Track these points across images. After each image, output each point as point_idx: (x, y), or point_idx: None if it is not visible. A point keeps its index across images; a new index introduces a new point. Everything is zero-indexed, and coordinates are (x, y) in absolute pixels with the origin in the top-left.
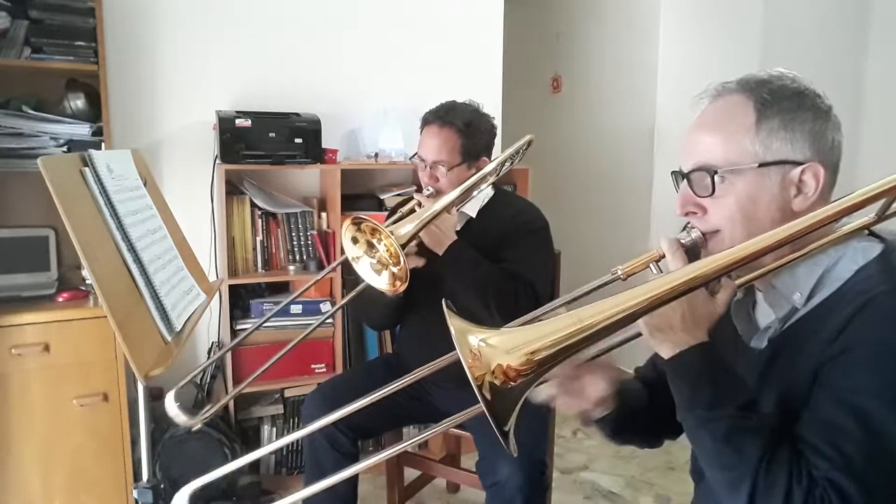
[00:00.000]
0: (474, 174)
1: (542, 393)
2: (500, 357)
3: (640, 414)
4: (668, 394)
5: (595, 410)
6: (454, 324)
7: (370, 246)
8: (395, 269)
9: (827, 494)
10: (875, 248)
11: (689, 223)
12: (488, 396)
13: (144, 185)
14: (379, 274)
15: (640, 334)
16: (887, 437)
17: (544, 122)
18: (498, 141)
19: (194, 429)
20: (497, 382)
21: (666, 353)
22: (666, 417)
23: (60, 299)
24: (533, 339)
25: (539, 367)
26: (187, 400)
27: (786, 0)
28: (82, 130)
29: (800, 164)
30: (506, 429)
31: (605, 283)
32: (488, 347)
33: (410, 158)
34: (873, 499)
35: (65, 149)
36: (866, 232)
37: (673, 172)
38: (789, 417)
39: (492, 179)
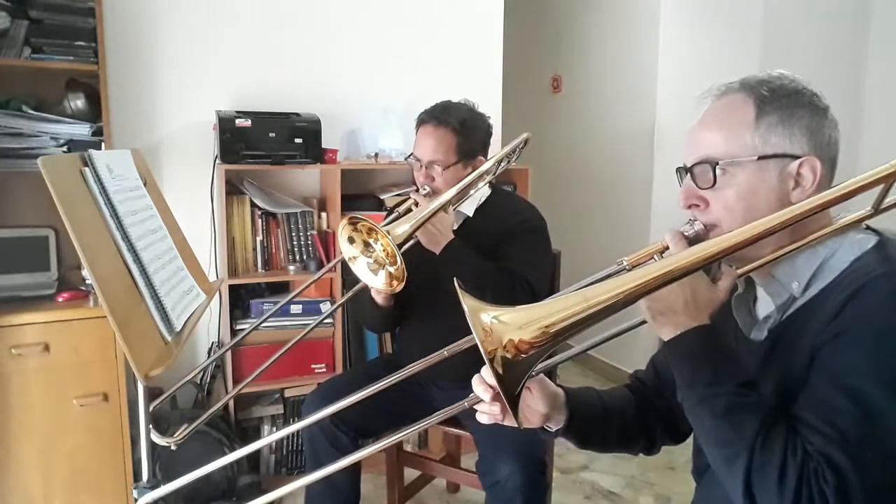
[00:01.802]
0: (470, 173)
1: (485, 415)
2: (512, 332)
3: (605, 419)
4: (667, 394)
5: (547, 425)
6: (467, 303)
7: (367, 245)
8: (391, 269)
9: (821, 468)
10: (871, 240)
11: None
12: (500, 370)
13: (144, 185)
14: (376, 274)
15: (644, 322)
16: (881, 414)
17: (544, 122)
18: (497, 141)
19: (173, 447)
20: (509, 356)
21: (667, 335)
22: (663, 419)
23: (60, 299)
24: (545, 315)
25: (552, 340)
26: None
27: (786, 0)
28: (82, 130)
29: (797, 157)
30: (515, 394)
31: (612, 274)
32: (500, 324)
33: (406, 159)
34: (866, 474)
35: (65, 149)
36: (864, 225)
37: (678, 168)
38: (788, 402)
39: (489, 178)
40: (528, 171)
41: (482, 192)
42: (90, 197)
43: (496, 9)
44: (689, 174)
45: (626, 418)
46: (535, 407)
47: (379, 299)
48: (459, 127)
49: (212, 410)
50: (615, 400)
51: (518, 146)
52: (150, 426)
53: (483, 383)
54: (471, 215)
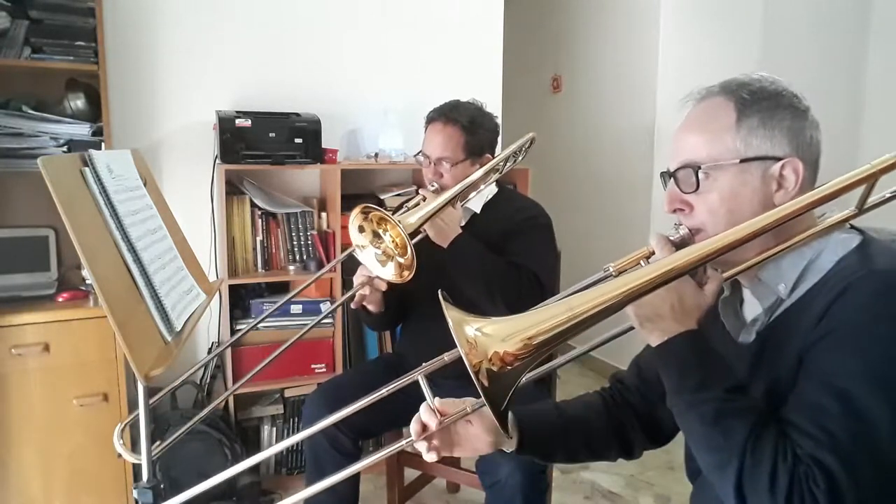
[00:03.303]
0: (478, 170)
1: (427, 454)
2: (496, 345)
3: (567, 431)
4: (652, 395)
5: (502, 448)
6: (451, 315)
7: (376, 236)
8: (401, 259)
9: (811, 472)
10: (854, 240)
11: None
12: (485, 382)
13: (144, 185)
14: (383, 265)
15: (633, 327)
16: (869, 416)
17: (544, 122)
18: (498, 141)
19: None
20: (494, 368)
21: (655, 340)
22: (646, 422)
23: (60, 299)
24: (527, 327)
25: (536, 351)
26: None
27: (786, 0)
28: (82, 130)
29: (779, 159)
30: (502, 409)
31: (598, 281)
32: (484, 336)
33: (415, 156)
34: (857, 476)
35: (65, 149)
36: (848, 225)
37: (662, 173)
38: (777, 404)
39: (496, 176)
40: (528, 171)
41: (489, 190)
42: (90, 197)
43: (496, 9)
44: (672, 179)
45: (591, 428)
46: (479, 438)
47: (371, 307)
48: (468, 125)
49: (199, 416)
50: (579, 410)
51: (524, 145)
52: (122, 443)
53: (428, 410)
54: (478, 211)
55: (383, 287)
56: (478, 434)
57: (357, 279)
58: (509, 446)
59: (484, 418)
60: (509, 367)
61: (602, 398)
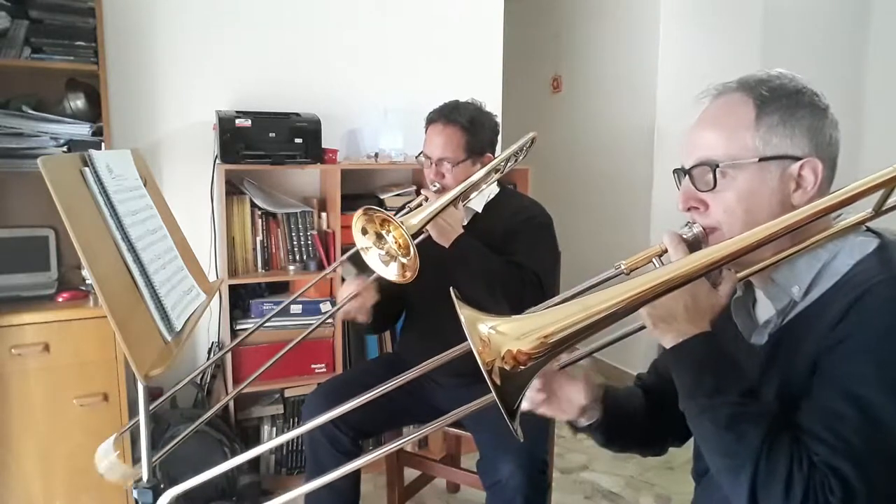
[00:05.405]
0: (479, 170)
1: (524, 401)
2: (510, 343)
3: (631, 420)
4: (672, 398)
5: (580, 418)
6: (464, 313)
7: (379, 237)
8: (404, 260)
9: (827, 479)
10: (872, 243)
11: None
12: (497, 381)
13: (144, 184)
14: (387, 265)
15: (643, 327)
16: (885, 423)
17: (544, 121)
18: (498, 141)
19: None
20: (507, 367)
21: (669, 342)
22: (670, 422)
23: (60, 299)
24: (543, 325)
25: (551, 350)
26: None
27: (785, 0)
28: (82, 130)
29: (799, 158)
30: (514, 408)
31: (609, 278)
32: (498, 334)
33: (416, 157)
34: (872, 484)
35: (65, 149)
36: (864, 227)
37: (675, 170)
38: (789, 408)
39: (497, 176)
40: (528, 170)
41: (490, 190)
42: (90, 197)
43: (496, 9)
44: (687, 176)
45: (643, 420)
46: (577, 399)
47: (360, 319)
48: (468, 125)
49: (187, 432)
50: (636, 400)
51: (525, 145)
52: (109, 457)
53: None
54: (480, 211)
55: (370, 301)
56: (576, 397)
57: (343, 292)
58: (587, 419)
59: (590, 383)
60: (522, 367)
61: (643, 391)
